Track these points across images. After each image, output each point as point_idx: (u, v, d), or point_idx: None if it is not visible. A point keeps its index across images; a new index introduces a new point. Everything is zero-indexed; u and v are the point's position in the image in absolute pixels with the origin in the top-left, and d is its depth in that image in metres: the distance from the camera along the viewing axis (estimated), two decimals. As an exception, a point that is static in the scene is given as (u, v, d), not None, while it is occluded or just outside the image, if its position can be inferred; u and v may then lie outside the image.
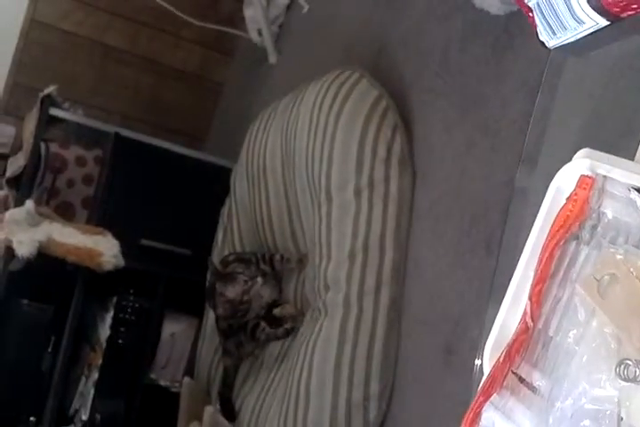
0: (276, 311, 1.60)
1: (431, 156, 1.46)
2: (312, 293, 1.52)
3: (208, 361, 1.80)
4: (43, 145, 1.97)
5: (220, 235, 1.89)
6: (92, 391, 1.78)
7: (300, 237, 1.65)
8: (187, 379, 1.79)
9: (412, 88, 1.55)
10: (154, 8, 2.40)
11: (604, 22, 0.65)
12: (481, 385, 0.63)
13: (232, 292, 1.61)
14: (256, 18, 2.29)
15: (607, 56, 0.72)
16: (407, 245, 1.44)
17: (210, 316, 1.80)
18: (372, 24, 1.83)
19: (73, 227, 1.77)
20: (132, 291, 1.86)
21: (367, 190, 1.44)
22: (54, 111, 1.98)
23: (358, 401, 1.37)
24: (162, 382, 1.90)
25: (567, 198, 0.60)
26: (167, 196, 2.02)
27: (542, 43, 0.72)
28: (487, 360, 0.65)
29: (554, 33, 0.70)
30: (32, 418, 1.79)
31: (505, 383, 0.62)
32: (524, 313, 0.61)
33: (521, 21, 1.27)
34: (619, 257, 0.56)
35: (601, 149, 0.62)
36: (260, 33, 2.32)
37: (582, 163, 0.60)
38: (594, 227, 0.59)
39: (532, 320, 0.60)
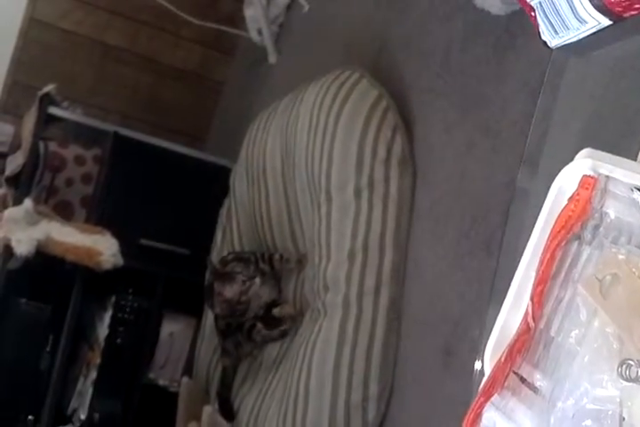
0: (276, 311, 1.60)
1: (431, 156, 1.45)
2: (311, 293, 1.52)
3: (207, 361, 1.80)
4: (41, 144, 1.97)
5: (219, 235, 1.89)
6: (91, 391, 1.78)
7: (300, 237, 1.65)
8: (185, 379, 1.79)
9: (412, 88, 1.55)
10: (154, 7, 2.40)
11: (606, 22, 0.64)
12: (482, 385, 0.62)
13: (230, 291, 1.61)
14: (256, 17, 2.29)
15: (609, 56, 0.72)
16: (407, 245, 1.44)
17: (209, 316, 1.79)
18: (372, 24, 1.83)
19: (72, 226, 1.77)
20: (130, 290, 1.86)
21: (367, 191, 1.44)
22: (53, 110, 1.97)
23: (357, 402, 1.37)
24: (160, 382, 1.90)
25: (569, 198, 0.60)
26: (166, 195, 2.02)
27: (544, 42, 0.72)
28: (488, 361, 0.65)
29: (556, 32, 0.70)
30: (30, 417, 1.79)
31: (506, 384, 0.62)
32: (526, 313, 0.61)
33: (522, 21, 1.28)
34: (621, 257, 0.56)
35: (603, 150, 0.62)
36: (260, 32, 2.32)
37: (584, 163, 0.60)
38: (596, 227, 0.59)
39: (534, 321, 0.60)
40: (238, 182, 1.86)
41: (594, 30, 0.66)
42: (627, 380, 0.53)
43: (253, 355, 1.67)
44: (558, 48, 0.72)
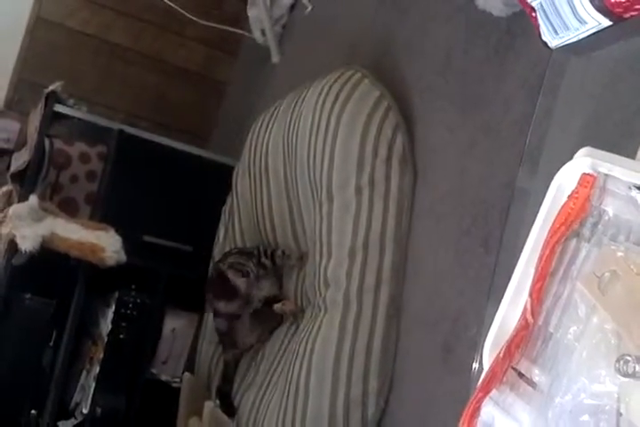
0: (277, 307, 1.61)
1: (432, 155, 1.46)
2: (312, 290, 1.53)
3: (208, 357, 1.81)
4: (47, 141, 1.97)
5: (221, 232, 1.90)
6: (93, 385, 1.78)
7: (301, 234, 1.66)
8: (187, 374, 1.80)
9: (413, 88, 1.55)
10: (159, 7, 2.41)
11: (606, 22, 0.65)
12: (480, 381, 0.63)
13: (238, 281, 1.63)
14: (260, 18, 2.30)
15: (609, 57, 0.73)
16: (407, 243, 1.44)
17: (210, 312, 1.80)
18: (375, 24, 1.83)
19: (76, 222, 1.78)
20: (133, 286, 1.86)
21: (368, 189, 1.45)
22: (59, 108, 1.98)
23: (357, 397, 1.37)
24: (162, 378, 1.90)
25: (568, 196, 0.61)
26: (169, 193, 2.02)
27: (545, 43, 0.73)
28: (487, 356, 0.66)
29: (556, 33, 0.70)
30: (33, 411, 1.79)
31: (504, 379, 0.62)
32: (525, 310, 0.62)
33: (523, 23, 1.28)
34: (619, 254, 0.57)
35: (602, 149, 0.62)
36: (263, 33, 2.33)
37: (584, 161, 0.61)
38: (595, 224, 0.59)
39: (533, 316, 0.61)
40: (240, 180, 1.86)
41: (594, 31, 0.67)
42: (624, 375, 0.54)
43: (255, 349, 1.68)
44: (558, 48, 0.72)
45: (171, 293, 1.91)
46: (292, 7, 2.31)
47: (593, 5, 0.64)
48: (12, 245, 1.68)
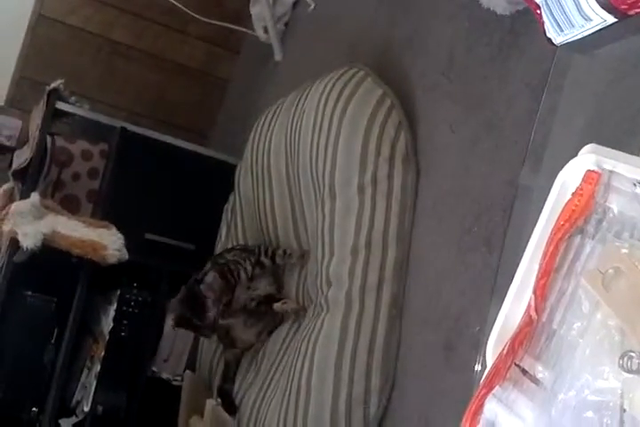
0: (277, 306, 1.61)
1: (435, 154, 1.46)
2: (314, 289, 1.53)
3: (210, 355, 1.81)
4: (49, 138, 1.98)
5: (223, 230, 1.90)
6: (94, 383, 1.79)
7: (303, 233, 1.66)
8: (188, 372, 1.80)
9: (416, 86, 1.55)
10: (161, 4, 2.41)
11: (611, 19, 0.65)
12: (484, 377, 0.63)
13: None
14: (262, 15, 2.30)
15: (613, 54, 0.72)
16: (409, 242, 1.44)
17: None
18: (377, 22, 1.83)
19: (78, 220, 1.78)
20: (135, 284, 1.87)
21: (370, 188, 1.45)
22: (61, 105, 1.98)
23: (359, 396, 1.37)
24: (164, 376, 1.91)
25: (573, 193, 0.60)
26: (172, 191, 2.03)
27: (549, 39, 0.73)
28: (490, 353, 0.66)
29: (561, 30, 0.70)
30: (34, 409, 1.79)
31: (508, 376, 0.62)
32: (528, 306, 0.62)
33: (527, 21, 1.28)
34: (624, 251, 0.56)
35: (606, 146, 0.62)
36: (266, 30, 2.33)
37: (588, 158, 0.61)
38: (599, 221, 0.59)
39: (536, 313, 0.61)
40: (243, 178, 1.86)
41: (598, 28, 0.67)
42: (628, 372, 0.54)
43: (256, 349, 1.68)
44: (562, 46, 0.72)
45: (173, 291, 1.91)
46: (295, 5, 2.31)
47: (598, 2, 0.64)
48: (14, 243, 1.68)
